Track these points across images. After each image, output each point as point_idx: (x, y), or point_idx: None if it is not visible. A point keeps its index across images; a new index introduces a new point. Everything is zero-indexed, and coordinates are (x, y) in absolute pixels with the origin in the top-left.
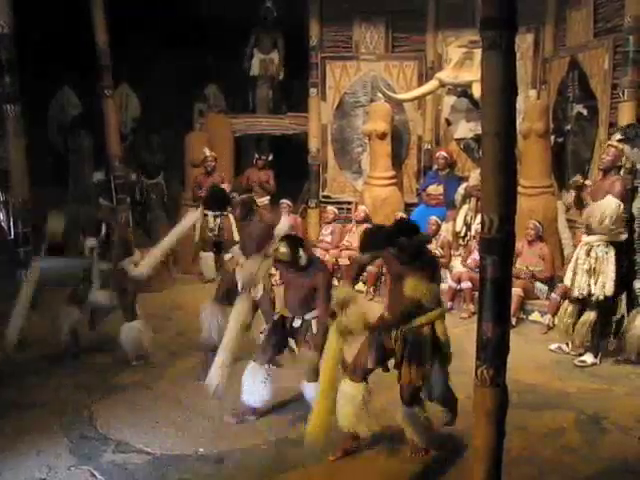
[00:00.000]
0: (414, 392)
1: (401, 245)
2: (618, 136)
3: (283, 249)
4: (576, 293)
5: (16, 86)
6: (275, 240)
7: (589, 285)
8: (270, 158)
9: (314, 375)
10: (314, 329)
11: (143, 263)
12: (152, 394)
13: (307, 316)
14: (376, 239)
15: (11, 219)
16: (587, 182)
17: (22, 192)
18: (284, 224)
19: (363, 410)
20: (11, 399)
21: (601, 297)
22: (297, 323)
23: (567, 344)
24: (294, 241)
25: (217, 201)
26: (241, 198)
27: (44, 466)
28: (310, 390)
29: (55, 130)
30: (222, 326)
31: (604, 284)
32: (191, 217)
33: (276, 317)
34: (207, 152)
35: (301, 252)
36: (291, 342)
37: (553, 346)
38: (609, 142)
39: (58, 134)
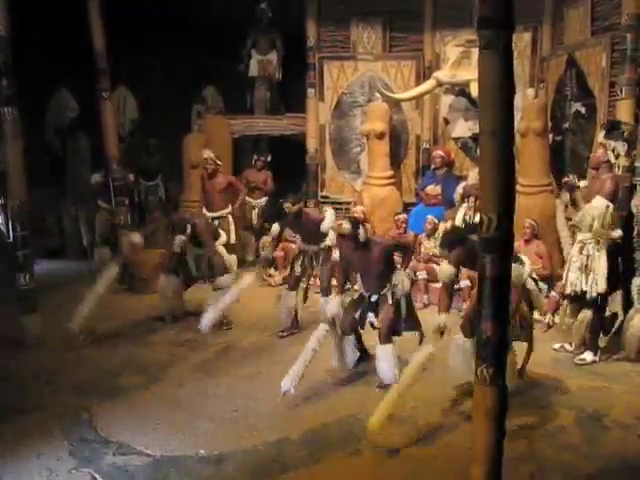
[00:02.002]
0: None
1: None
2: (603, 133)
3: (346, 225)
4: (568, 290)
5: (13, 88)
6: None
7: (581, 282)
8: (269, 159)
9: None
10: (389, 300)
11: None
12: (152, 396)
13: (382, 291)
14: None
15: (9, 222)
16: (581, 183)
17: (20, 194)
18: (330, 219)
19: None
20: (11, 403)
21: (594, 294)
22: (374, 298)
23: (570, 343)
24: (355, 220)
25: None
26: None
27: (45, 469)
28: (381, 352)
29: (53, 132)
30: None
31: (596, 281)
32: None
33: (356, 296)
34: (206, 154)
35: (361, 230)
36: (371, 317)
37: (556, 345)
38: (599, 141)
39: (56, 136)
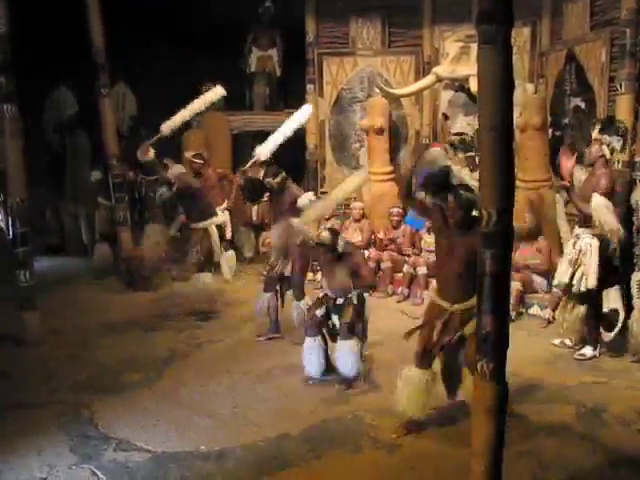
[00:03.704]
0: None
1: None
2: (597, 128)
3: (325, 234)
4: (555, 282)
5: (12, 86)
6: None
7: (567, 275)
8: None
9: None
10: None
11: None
12: (152, 392)
13: (349, 295)
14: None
15: (9, 219)
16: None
17: (20, 192)
18: (306, 197)
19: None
20: (12, 399)
21: (582, 289)
22: (340, 301)
23: (570, 339)
24: (335, 231)
25: (254, 191)
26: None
27: (45, 465)
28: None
29: (52, 129)
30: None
31: (586, 277)
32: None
33: (320, 295)
34: (187, 154)
35: (340, 240)
36: (334, 318)
37: (556, 341)
38: (593, 137)
39: (55, 133)
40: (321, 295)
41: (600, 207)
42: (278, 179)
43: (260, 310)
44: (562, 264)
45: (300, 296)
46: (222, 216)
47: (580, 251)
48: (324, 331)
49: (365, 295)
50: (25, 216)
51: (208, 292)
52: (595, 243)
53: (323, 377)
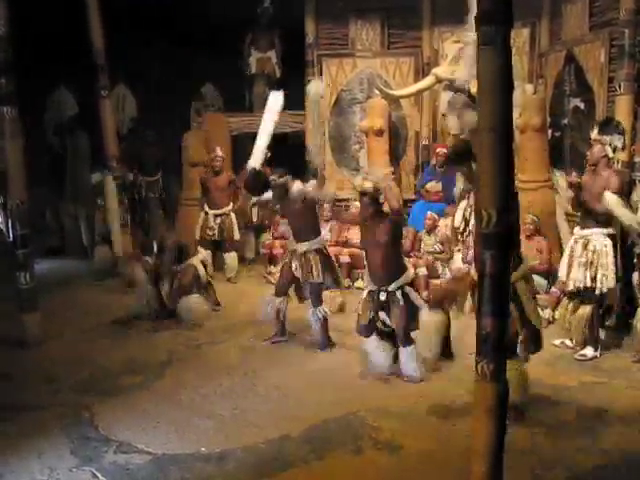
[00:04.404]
0: None
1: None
2: (596, 130)
3: (367, 184)
4: (571, 286)
5: (12, 87)
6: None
7: (586, 278)
8: (268, 155)
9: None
10: (400, 301)
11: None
12: (152, 394)
13: (391, 287)
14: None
15: (9, 221)
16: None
17: (20, 193)
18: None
19: None
20: (12, 401)
21: (604, 290)
22: (383, 296)
23: (571, 339)
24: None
25: (257, 184)
26: (279, 182)
27: (46, 468)
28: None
29: (52, 131)
30: None
31: (606, 277)
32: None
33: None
34: (217, 151)
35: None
36: (382, 316)
37: (557, 341)
38: (593, 138)
39: (55, 135)
40: (365, 295)
41: (615, 204)
42: (282, 180)
43: (268, 314)
44: (575, 268)
45: (317, 303)
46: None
47: (594, 252)
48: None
49: (409, 291)
50: (25, 218)
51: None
52: (609, 243)
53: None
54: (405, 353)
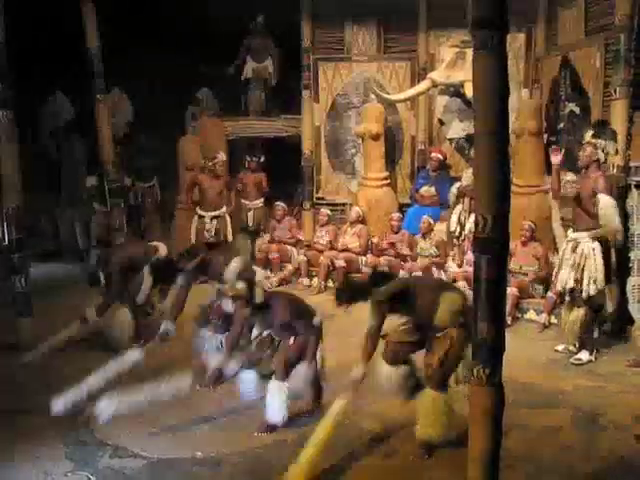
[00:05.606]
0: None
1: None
2: (590, 133)
3: (240, 285)
4: (558, 287)
5: (8, 92)
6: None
7: (570, 279)
8: (261, 160)
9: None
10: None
11: None
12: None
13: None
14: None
15: (5, 225)
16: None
17: (15, 198)
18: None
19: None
20: (7, 406)
21: (592, 292)
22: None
23: (574, 344)
24: (249, 280)
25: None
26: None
27: (41, 472)
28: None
29: (48, 135)
30: None
31: (594, 279)
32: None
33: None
34: (220, 156)
35: (257, 289)
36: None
37: (559, 347)
38: (586, 140)
39: (51, 139)
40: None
41: (609, 206)
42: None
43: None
44: (563, 269)
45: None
46: None
47: (582, 255)
48: None
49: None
50: (21, 222)
51: None
52: (597, 246)
53: None
54: (275, 387)
